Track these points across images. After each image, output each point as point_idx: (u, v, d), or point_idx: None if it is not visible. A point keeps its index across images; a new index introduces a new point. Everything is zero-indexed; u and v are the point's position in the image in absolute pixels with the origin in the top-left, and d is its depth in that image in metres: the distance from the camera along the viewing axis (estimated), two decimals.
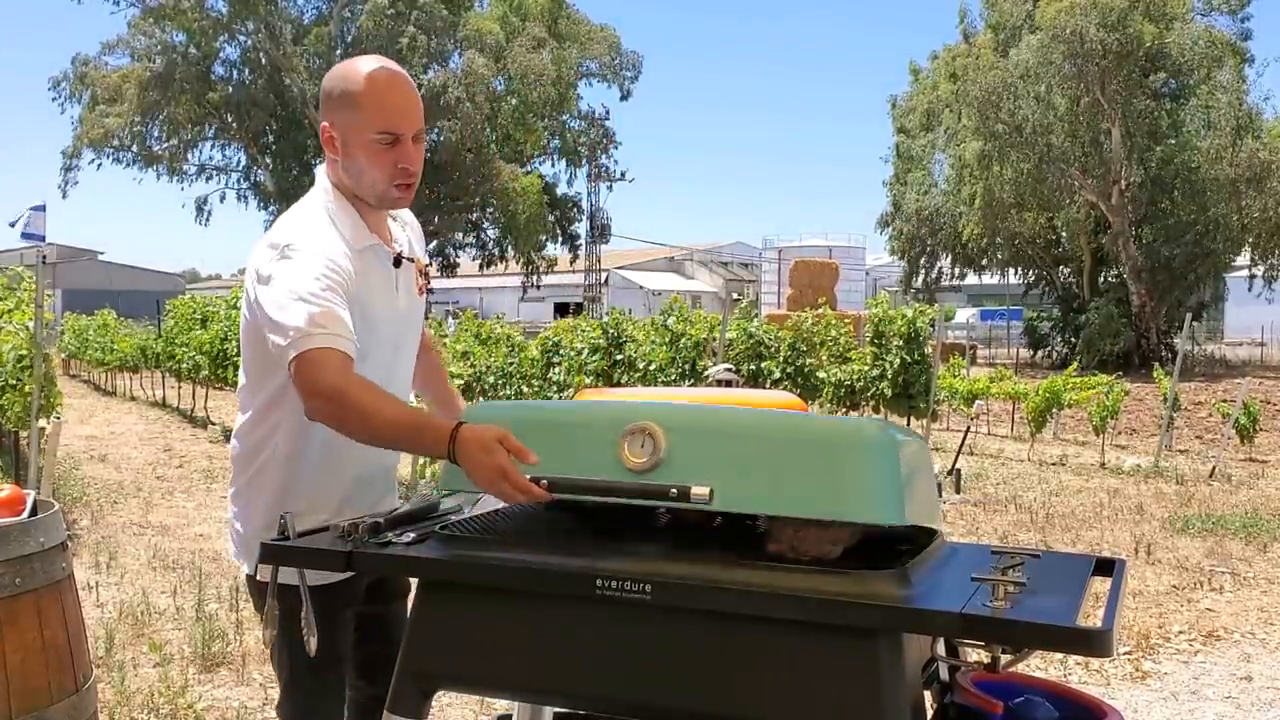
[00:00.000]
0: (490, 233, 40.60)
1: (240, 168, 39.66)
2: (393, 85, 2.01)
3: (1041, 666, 4.16)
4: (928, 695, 1.71)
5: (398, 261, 2.13)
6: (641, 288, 49.28)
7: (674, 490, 1.60)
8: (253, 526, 2.13)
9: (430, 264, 2.33)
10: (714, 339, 9.48)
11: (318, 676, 2.10)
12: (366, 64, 2.02)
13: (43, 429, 6.52)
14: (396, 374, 2.21)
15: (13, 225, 6.53)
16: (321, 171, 2.12)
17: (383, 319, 2.08)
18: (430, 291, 2.26)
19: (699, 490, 1.60)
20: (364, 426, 1.83)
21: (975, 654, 1.77)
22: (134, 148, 37.02)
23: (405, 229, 2.23)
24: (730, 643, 1.60)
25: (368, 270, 2.04)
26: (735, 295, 17.17)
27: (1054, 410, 11.93)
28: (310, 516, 1.97)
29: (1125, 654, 4.60)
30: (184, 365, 13.55)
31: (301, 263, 1.92)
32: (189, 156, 38.52)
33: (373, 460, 2.14)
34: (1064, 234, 30.95)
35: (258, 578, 1.92)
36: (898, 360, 9.74)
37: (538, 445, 1.71)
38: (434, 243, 37.44)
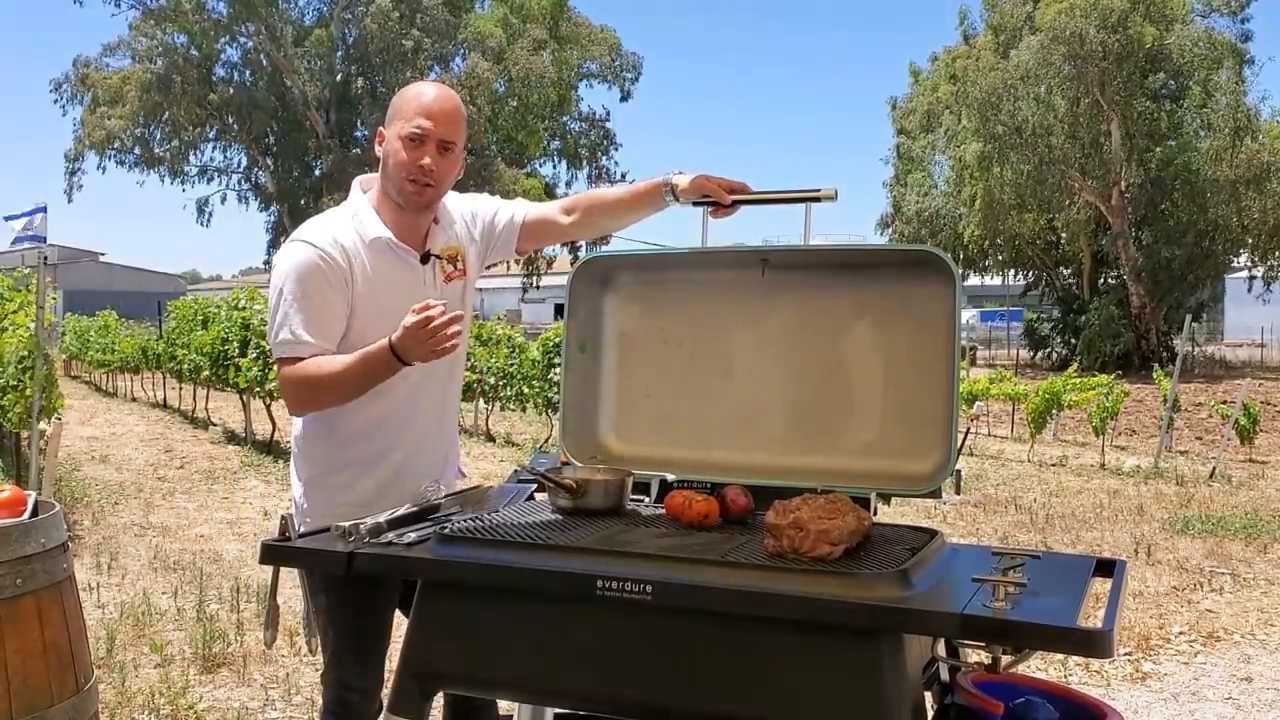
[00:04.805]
0: None
1: (241, 169, 39.65)
2: (432, 94, 2.21)
3: (1041, 667, 4.16)
4: (928, 696, 1.71)
5: (425, 259, 2.29)
6: None
7: None
8: (307, 474, 2.30)
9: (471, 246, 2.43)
10: None
11: (358, 650, 2.26)
12: (423, 83, 2.30)
13: (44, 430, 6.52)
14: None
15: (8, 220, 6.49)
16: (359, 177, 2.37)
17: (402, 306, 2.18)
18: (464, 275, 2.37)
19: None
20: (332, 391, 2.14)
21: (976, 654, 1.77)
22: (135, 149, 37.01)
23: (451, 227, 2.36)
24: (731, 643, 1.60)
25: (379, 260, 2.23)
26: None
27: (1054, 411, 11.93)
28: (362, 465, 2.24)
29: (1125, 655, 4.60)
30: (185, 366, 13.55)
31: (290, 266, 2.18)
32: (190, 158, 38.51)
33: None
34: (1064, 235, 30.94)
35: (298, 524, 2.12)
36: None
37: None
38: None
